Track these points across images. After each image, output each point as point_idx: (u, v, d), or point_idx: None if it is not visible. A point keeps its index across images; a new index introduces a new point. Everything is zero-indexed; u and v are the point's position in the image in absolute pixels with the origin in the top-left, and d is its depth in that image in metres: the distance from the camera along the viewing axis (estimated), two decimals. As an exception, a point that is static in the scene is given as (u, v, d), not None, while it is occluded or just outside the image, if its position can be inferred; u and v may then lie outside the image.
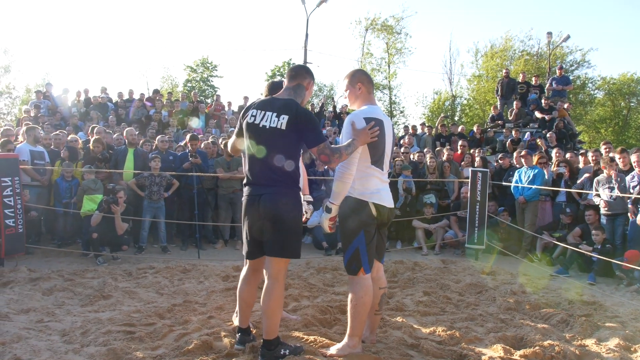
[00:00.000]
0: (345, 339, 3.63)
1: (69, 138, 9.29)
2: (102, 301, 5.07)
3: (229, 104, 16.30)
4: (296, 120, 3.26)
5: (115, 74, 55.46)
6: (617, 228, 7.56)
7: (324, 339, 3.85)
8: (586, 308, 5.32)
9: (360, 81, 3.69)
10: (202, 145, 9.49)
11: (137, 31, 59.61)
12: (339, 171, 3.44)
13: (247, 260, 3.66)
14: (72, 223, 8.20)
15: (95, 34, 57.75)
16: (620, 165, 7.91)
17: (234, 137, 3.73)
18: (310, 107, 17.71)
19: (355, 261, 3.51)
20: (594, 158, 8.67)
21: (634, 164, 7.48)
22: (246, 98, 16.23)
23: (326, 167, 3.17)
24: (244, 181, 3.54)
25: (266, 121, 3.33)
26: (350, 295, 3.57)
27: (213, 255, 8.12)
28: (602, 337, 4.35)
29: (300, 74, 3.58)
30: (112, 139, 9.70)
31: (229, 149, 3.86)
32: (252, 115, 3.42)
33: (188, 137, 9.09)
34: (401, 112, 34.38)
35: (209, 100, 27.58)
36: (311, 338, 3.87)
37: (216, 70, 38.28)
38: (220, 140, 10.25)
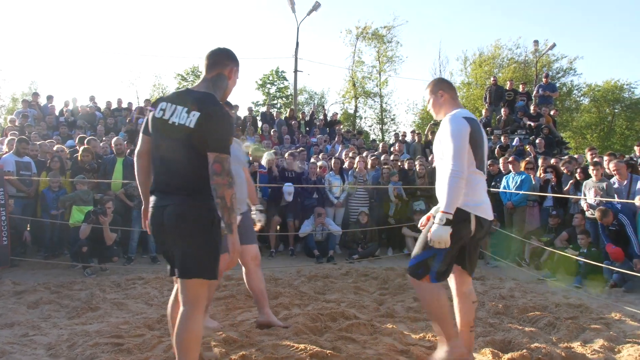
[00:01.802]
0: (445, 347, 3.41)
1: (55, 148, 9.22)
2: (90, 313, 5.02)
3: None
4: (207, 119, 2.70)
5: (103, 82, 55.32)
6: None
7: (314, 346, 3.84)
8: (572, 311, 5.37)
9: (442, 88, 3.50)
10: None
11: (127, 39, 59.51)
12: (454, 176, 3.10)
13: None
14: (59, 234, 8.14)
15: (83, 42, 57.51)
16: (607, 169, 8.03)
17: (140, 134, 3.09)
18: (301, 116, 17.80)
19: (425, 267, 3.30)
20: (574, 165, 8.86)
21: (613, 172, 7.64)
22: (236, 107, 16.25)
23: (213, 181, 2.55)
24: (150, 188, 2.99)
25: (176, 117, 2.79)
26: (424, 304, 3.44)
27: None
28: (588, 338, 4.39)
29: (220, 60, 2.99)
30: (100, 148, 9.66)
31: (135, 151, 3.14)
32: (160, 109, 2.88)
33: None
34: (392, 119, 34.56)
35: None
36: (301, 346, 3.86)
37: (204, 78, 38.30)
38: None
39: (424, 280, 3.32)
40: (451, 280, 3.54)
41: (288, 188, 8.98)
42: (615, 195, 7.46)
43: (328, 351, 3.74)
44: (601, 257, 7.13)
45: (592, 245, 7.46)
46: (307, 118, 17.24)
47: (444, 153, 3.24)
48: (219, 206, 2.67)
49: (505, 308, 5.37)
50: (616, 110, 33.27)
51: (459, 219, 3.16)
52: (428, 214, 3.75)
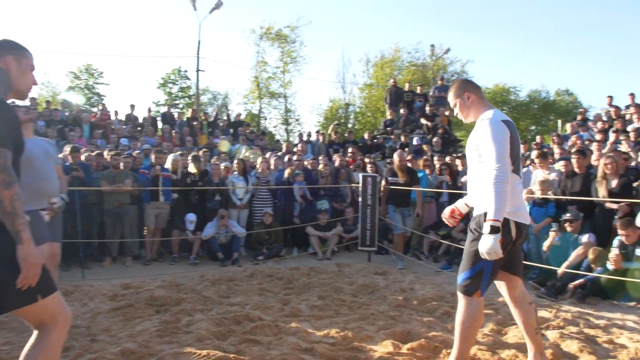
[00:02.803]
0: None
1: None
2: None
3: (116, 112, 15.52)
4: None
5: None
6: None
7: (217, 352, 3.76)
8: (467, 299, 5.69)
9: (467, 90, 3.38)
10: (83, 158, 8.95)
11: (16, 33, 55.08)
12: (499, 181, 2.98)
13: None
14: None
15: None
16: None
17: None
18: (203, 116, 17.42)
19: (475, 282, 3.17)
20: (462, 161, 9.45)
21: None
22: (133, 106, 15.62)
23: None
24: None
25: None
26: (462, 316, 3.23)
27: (99, 274, 7.66)
28: (480, 324, 4.68)
29: None
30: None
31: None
32: None
33: (68, 148, 8.54)
34: (297, 120, 34.76)
35: (94, 109, 26.11)
36: (204, 352, 3.76)
37: (102, 77, 36.40)
38: (105, 152, 9.72)
39: (475, 295, 3.19)
40: (502, 288, 3.46)
41: (190, 217, 8.76)
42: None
43: (232, 355, 3.69)
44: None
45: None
46: (211, 119, 16.93)
47: (484, 157, 3.14)
48: (4, 208, 2.22)
49: (406, 300, 5.60)
50: (504, 111, 35.75)
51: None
52: (452, 206, 3.70)
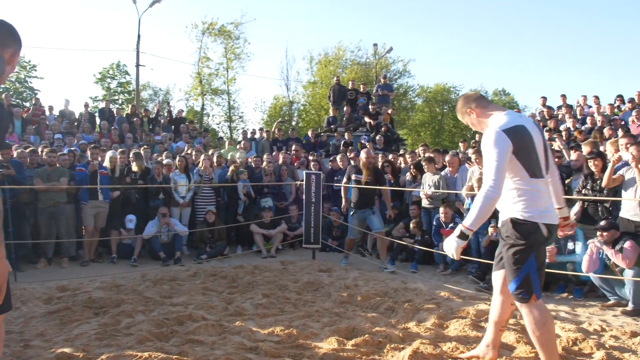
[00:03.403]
0: None
1: None
2: None
3: (51, 107, 14.80)
4: None
5: None
6: (434, 220, 8.39)
7: (159, 353, 3.66)
8: (409, 294, 5.83)
9: (468, 106, 3.37)
10: (15, 155, 8.50)
11: None
12: (488, 196, 2.97)
13: None
14: None
15: None
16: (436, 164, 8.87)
17: None
18: (144, 112, 16.94)
19: (526, 288, 3.11)
20: (410, 159, 9.63)
21: (447, 163, 8.54)
22: (67, 101, 15.00)
23: None
24: None
25: None
26: (530, 325, 3.16)
27: (33, 276, 7.30)
28: (422, 318, 4.81)
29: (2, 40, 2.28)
30: None
31: None
32: None
33: (-3, 146, 8.09)
34: (240, 117, 34.42)
35: (27, 104, 24.87)
36: (145, 354, 3.65)
37: (35, 70, 34.68)
38: (40, 148, 9.28)
39: (532, 301, 3.13)
40: (498, 278, 3.47)
41: (130, 217, 8.53)
42: (448, 186, 8.27)
43: (174, 356, 3.61)
44: (433, 244, 7.81)
45: (425, 232, 8.16)
46: (152, 115, 16.49)
47: (484, 166, 3.11)
48: None
49: (350, 297, 5.64)
50: (445, 110, 36.85)
51: (530, 231, 3.07)
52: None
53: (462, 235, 3.08)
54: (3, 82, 2.40)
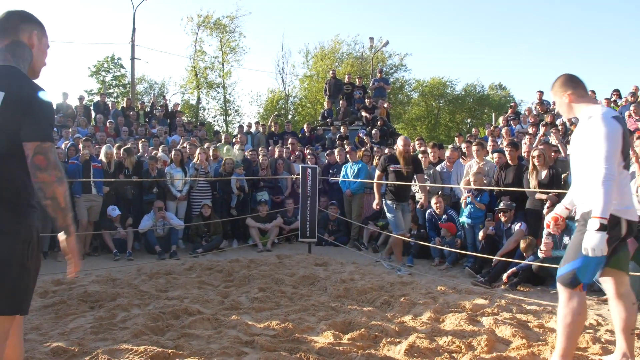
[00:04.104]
0: None
1: None
2: None
3: (46, 101, 14.71)
4: (19, 98, 2.10)
5: None
6: (426, 214, 8.39)
7: (155, 347, 3.65)
8: (405, 288, 5.83)
9: (566, 89, 3.30)
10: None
11: None
12: (608, 180, 2.94)
13: None
14: None
15: None
16: (431, 158, 8.85)
17: None
18: (140, 106, 16.87)
19: (577, 276, 3.10)
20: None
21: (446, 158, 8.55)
22: (65, 94, 14.89)
23: (36, 178, 2.12)
24: None
25: None
26: (564, 311, 3.15)
27: (28, 269, 7.28)
28: (418, 312, 4.81)
29: (16, 24, 2.29)
30: None
31: None
32: None
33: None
34: (236, 111, 34.34)
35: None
36: (141, 348, 3.63)
37: (29, 63, 34.49)
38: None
39: (577, 289, 3.12)
40: (608, 283, 3.37)
41: (112, 207, 8.49)
42: (442, 181, 8.28)
43: (170, 350, 3.59)
44: (429, 238, 7.81)
45: (420, 226, 8.16)
46: (147, 109, 16.40)
47: (594, 154, 3.05)
48: (50, 208, 2.16)
49: (346, 291, 5.64)
50: (441, 104, 36.91)
51: (611, 225, 3.00)
52: (553, 214, 3.62)
53: (602, 227, 2.96)
54: (38, 68, 2.42)
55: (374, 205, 7.79)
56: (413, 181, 7.66)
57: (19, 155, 2.13)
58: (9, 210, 2.14)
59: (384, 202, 7.57)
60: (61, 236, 2.31)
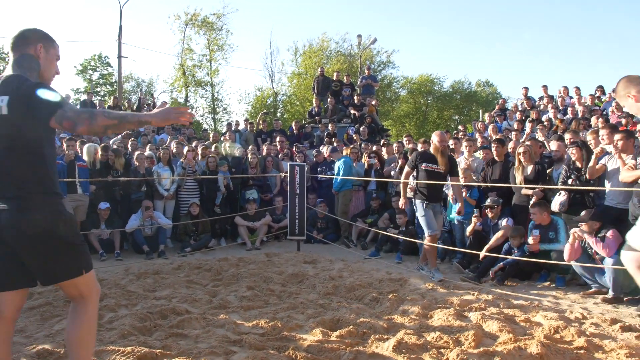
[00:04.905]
0: None
1: None
2: None
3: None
4: (18, 97, 2.43)
5: None
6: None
7: (142, 348, 3.62)
8: (393, 285, 5.86)
9: (628, 91, 3.30)
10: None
11: None
12: None
13: None
14: None
15: None
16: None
17: None
18: (127, 104, 16.74)
19: None
20: (398, 148, 9.63)
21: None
22: (68, 96, 14.74)
23: (81, 136, 2.44)
24: None
25: None
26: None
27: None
28: (406, 308, 4.83)
29: (19, 43, 2.66)
30: None
31: None
32: None
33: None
34: (224, 109, 34.22)
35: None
36: (128, 349, 3.60)
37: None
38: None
39: None
40: None
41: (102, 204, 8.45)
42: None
43: (158, 351, 3.57)
44: (417, 235, 7.84)
45: (409, 223, 8.18)
46: (135, 107, 16.29)
47: None
48: (119, 128, 2.65)
49: (335, 288, 5.65)
50: (429, 101, 37.03)
51: None
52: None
53: None
54: (49, 75, 2.76)
55: (400, 204, 7.01)
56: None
57: (36, 148, 2.49)
58: (47, 193, 2.53)
59: (413, 202, 6.81)
60: (155, 121, 2.69)
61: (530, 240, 6.11)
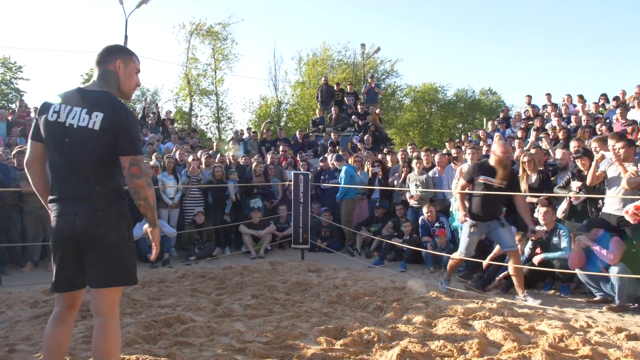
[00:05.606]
0: None
1: None
2: None
3: (36, 109, 14.65)
4: (114, 119, 2.67)
5: None
6: (420, 221, 8.41)
7: (147, 356, 3.64)
8: (397, 293, 5.85)
9: None
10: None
11: None
12: None
13: (59, 295, 2.89)
14: None
15: None
16: (424, 163, 8.89)
17: (29, 141, 2.89)
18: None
19: None
20: (402, 157, 9.64)
21: (436, 163, 8.56)
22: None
23: (133, 184, 2.56)
24: (50, 197, 2.80)
25: (73, 119, 2.69)
26: None
27: (19, 279, 7.22)
28: (410, 317, 4.82)
29: (101, 59, 2.91)
30: None
31: (25, 159, 2.92)
32: (54, 112, 2.73)
33: (-18, 148, 8.01)
34: (229, 118, 34.31)
35: (13, 105, 24.59)
36: (133, 357, 3.63)
37: (21, 71, 34.21)
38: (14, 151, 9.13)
39: None
40: None
41: None
42: (435, 186, 8.31)
43: (162, 359, 3.60)
44: (421, 244, 7.84)
45: (413, 231, 8.18)
46: (139, 116, 16.37)
47: None
48: (142, 207, 2.78)
49: (339, 297, 5.65)
50: (433, 110, 37.07)
51: None
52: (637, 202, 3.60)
53: None
54: (127, 90, 3.01)
55: (460, 219, 6.22)
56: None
57: (116, 162, 2.75)
58: (114, 202, 2.80)
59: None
60: (147, 228, 2.92)
61: (535, 227, 6.01)
